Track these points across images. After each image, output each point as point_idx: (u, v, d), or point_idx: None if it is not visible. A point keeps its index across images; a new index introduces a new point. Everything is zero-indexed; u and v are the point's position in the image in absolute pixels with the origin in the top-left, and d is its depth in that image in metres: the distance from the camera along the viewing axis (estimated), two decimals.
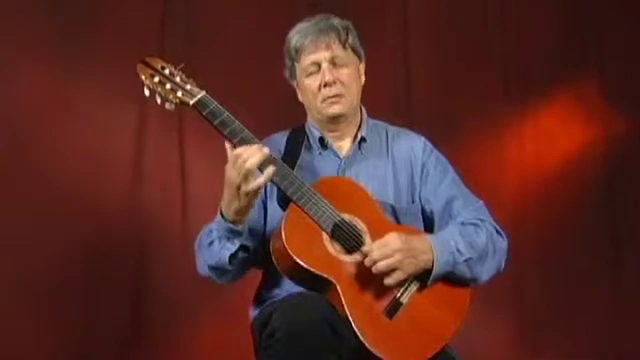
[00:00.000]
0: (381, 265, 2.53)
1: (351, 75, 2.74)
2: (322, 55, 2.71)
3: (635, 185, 4.27)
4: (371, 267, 2.53)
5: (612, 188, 4.30)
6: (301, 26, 2.75)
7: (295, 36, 2.74)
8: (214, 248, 2.59)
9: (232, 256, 2.57)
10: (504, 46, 4.28)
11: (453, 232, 2.67)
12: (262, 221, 2.71)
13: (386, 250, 2.53)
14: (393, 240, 2.55)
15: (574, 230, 4.23)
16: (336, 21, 2.75)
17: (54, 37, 3.83)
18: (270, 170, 2.47)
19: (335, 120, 2.76)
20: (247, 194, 2.47)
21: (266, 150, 2.47)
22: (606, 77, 4.31)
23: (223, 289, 3.53)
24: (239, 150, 2.46)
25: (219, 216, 2.55)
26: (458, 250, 2.62)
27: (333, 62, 2.72)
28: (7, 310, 3.73)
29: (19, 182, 3.77)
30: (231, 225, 2.53)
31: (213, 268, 2.63)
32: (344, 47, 2.73)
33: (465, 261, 2.63)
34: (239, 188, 2.45)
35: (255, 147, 2.47)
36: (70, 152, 3.82)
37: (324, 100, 2.73)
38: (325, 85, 2.71)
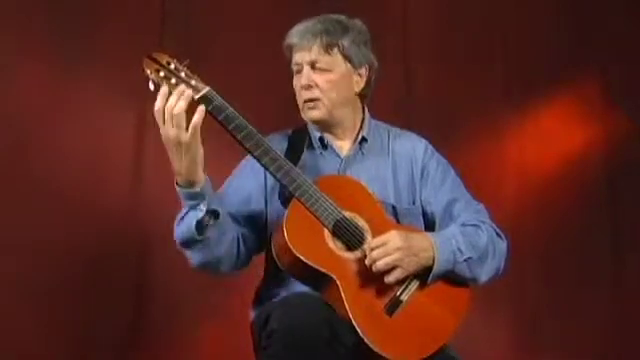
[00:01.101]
0: (381, 263, 2.53)
1: (333, 81, 2.71)
2: (303, 57, 2.71)
3: (635, 185, 4.27)
4: (371, 265, 2.54)
5: (613, 188, 4.30)
6: (299, 24, 2.75)
7: (290, 32, 2.74)
8: (182, 222, 2.56)
9: (199, 222, 2.52)
10: (504, 46, 4.28)
11: (454, 232, 2.67)
12: (263, 208, 2.71)
13: (386, 248, 2.54)
14: (393, 238, 2.55)
15: (574, 230, 4.23)
16: (332, 24, 2.73)
17: (54, 37, 3.83)
18: (201, 108, 2.44)
19: (317, 124, 2.76)
20: (189, 144, 2.43)
21: (188, 92, 2.44)
22: (607, 77, 4.31)
23: (224, 289, 3.54)
24: (160, 104, 2.43)
25: (178, 189, 2.52)
26: (459, 249, 2.62)
27: (313, 66, 2.71)
28: (7, 310, 3.73)
29: (19, 182, 3.78)
30: (189, 190, 2.50)
31: (183, 243, 2.59)
32: (327, 52, 2.70)
33: (465, 260, 2.63)
34: (179, 142, 2.42)
35: (176, 93, 2.44)
36: (70, 152, 3.83)
37: (303, 103, 2.73)
38: (302, 87, 2.71)
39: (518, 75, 4.27)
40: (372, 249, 2.54)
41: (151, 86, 2.52)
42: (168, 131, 2.43)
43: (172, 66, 2.54)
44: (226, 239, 2.61)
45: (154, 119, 3.84)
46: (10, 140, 3.79)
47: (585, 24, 4.31)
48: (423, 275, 2.60)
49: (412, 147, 2.82)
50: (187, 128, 2.43)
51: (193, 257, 2.63)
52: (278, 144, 2.71)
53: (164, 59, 2.54)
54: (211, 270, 2.67)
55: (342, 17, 2.77)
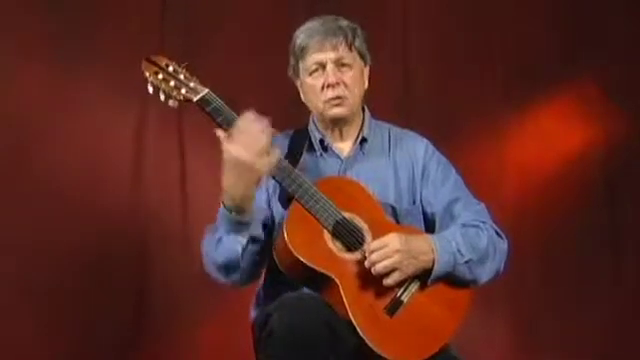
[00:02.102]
0: (379, 266, 2.53)
1: (355, 78, 2.74)
2: (327, 56, 2.71)
3: (635, 185, 4.27)
4: (370, 268, 2.54)
5: (612, 188, 4.29)
6: (309, 25, 2.75)
7: (301, 35, 2.74)
8: (223, 244, 2.55)
9: (244, 249, 2.54)
10: (504, 46, 4.27)
11: (454, 233, 2.66)
12: (270, 213, 2.70)
13: (385, 251, 2.54)
14: (392, 241, 2.55)
15: (574, 230, 4.22)
16: (344, 23, 2.75)
17: (54, 37, 3.84)
18: (277, 151, 2.47)
19: (336, 121, 2.76)
20: (255, 170, 2.44)
21: (271, 131, 2.47)
22: (606, 77, 4.30)
23: (224, 289, 3.53)
24: (244, 125, 2.44)
25: (223, 211, 2.52)
26: (459, 251, 2.62)
27: (338, 63, 2.72)
28: (8, 310, 3.73)
29: (19, 182, 3.78)
30: (238, 217, 2.50)
31: (223, 266, 2.58)
32: (350, 49, 2.73)
33: (466, 262, 2.62)
34: (251, 168, 2.43)
35: (260, 126, 2.46)
36: (70, 152, 3.83)
37: (327, 101, 2.72)
38: (328, 86, 2.71)
39: (518, 75, 4.26)
40: (371, 252, 2.54)
41: (150, 89, 2.54)
42: (240, 150, 2.43)
43: (171, 68, 2.55)
44: (260, 259, 2.62)
45: (154, 118, 3.90)
46: (10, 140, 3.79)
47: (585, 24, 4.30)
48: (423, 276, 2.60)
49: (413, 147, 2.81)
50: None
51: (226, 278, 2.63)
52: (279, 147, 2.71)
53: (163, 61, 2.55)
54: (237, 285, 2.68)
55: (340, 17, 2.78)
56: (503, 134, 4.26)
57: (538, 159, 4.27)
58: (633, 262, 4.26)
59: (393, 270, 2.54)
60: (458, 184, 2.79)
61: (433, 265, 2.59)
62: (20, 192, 3.77)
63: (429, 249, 2.59)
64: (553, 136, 4.29)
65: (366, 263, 2.54)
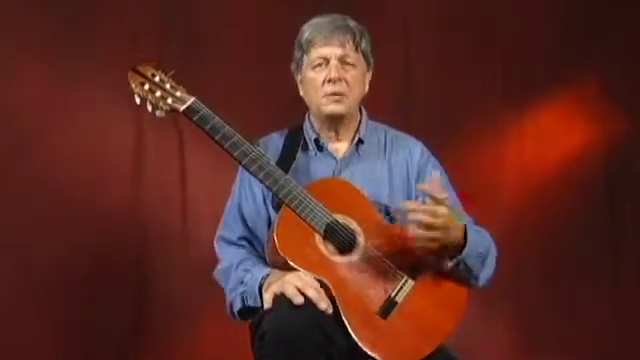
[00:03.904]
0: (429, 221, 2.46)
1: (357, 78, 2.74)
2: (333, 51, 2.71)
3: (635, 185, 4.27)
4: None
5: (612, 188, 4.29)
6: (317, 20, 2.75)
7: (309, 29, 2.74)
8: (233, 294, 2.65)
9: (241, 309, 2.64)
10: (504, 46, 4.27)
11: (469, 226, 2.62)
12: (266, 212, 2.72)
13: (436, 209, 2.47)
14: (441, 207, 2.49)
15: (574, 230, 4.22)
16: (353, 23, 2.76)
17: (54, 37, 3.84)
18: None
19: (332, 119, 2.76)
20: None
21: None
22: (607, 77, 4.30)
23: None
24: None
25: (256, 287, 2.57)
26: (476, 242, 2.60)
27: (342, 60, 2.71)
28: (7, 310, 3.73)
29: (19, 182, 3.78)
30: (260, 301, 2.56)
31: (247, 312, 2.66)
32: (356, 50, 2.73)
33: (479, 254, 2.60)
34: (291, 285, 2.46)
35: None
36: (70, 152, 3.83)
37: (325, 96, 2.72)
38: (329, 81, 2.70)
39: (518, 75, 4.26)
40: (420, 211, 2.47)
41: (137, 100, 2.55)
42: (295, 281, 2.46)
43: (157, 78, 2.56)
44: None
45: (153, 118, 3.88)
46: (10, 140, 3.79)
47: (585, 24, 4.30)
48: (417, 275, 2.59)
49: (408, 150, 2.81)
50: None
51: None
52: (273, 145, 2.72)
53: (149, 71, 2.57)
54: None
55: (348, 17, 2.78)
56: (503, 134, 4.26)
57: (538, 159, 4.27)
58: (633, 262, 4.26)
59: (433, 229, 2.48)
60: (451, 192, 2.74)
61: (464, 243, 2.54)
62: (20, 192, 3.77)
63: (461, 229, 2.56)
64: (553, 136, 4.28)
65: (411, 216, 2.47)
